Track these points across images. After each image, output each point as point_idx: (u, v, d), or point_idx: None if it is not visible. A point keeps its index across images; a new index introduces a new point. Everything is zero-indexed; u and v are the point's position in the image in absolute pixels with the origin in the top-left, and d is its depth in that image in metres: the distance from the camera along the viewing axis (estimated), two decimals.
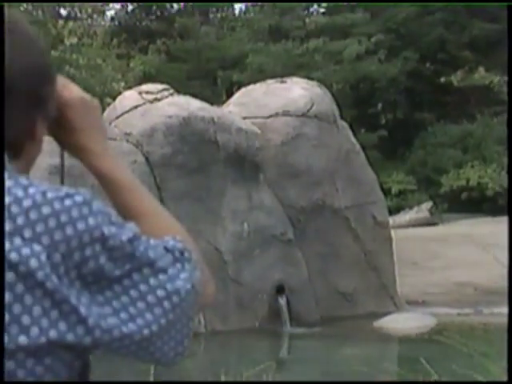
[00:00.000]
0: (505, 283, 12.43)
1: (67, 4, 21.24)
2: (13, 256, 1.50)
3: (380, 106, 23.57)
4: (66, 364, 1.56)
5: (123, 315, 1.54)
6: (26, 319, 1.52)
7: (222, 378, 5.79)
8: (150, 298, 1.55)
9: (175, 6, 28.71)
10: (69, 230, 1.55)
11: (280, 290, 11.99)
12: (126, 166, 1.77)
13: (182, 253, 1.63)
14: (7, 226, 1.56)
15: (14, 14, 1.72)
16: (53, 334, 1.50)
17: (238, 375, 5.75)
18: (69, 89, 1.75)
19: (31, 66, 1.68)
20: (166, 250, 1.61)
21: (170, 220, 1.83)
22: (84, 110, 1.78)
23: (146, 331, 1.55)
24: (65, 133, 1.80)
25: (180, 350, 1.62)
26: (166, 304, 1.55)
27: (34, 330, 1.53)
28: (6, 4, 1.70)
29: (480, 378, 3.33)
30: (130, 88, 13.76)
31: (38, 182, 1.70)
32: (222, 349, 10.69)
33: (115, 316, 1.54)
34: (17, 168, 1.79)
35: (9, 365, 1.57)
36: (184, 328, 1.63)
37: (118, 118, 12.15)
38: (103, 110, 13.51)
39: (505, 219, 17.70)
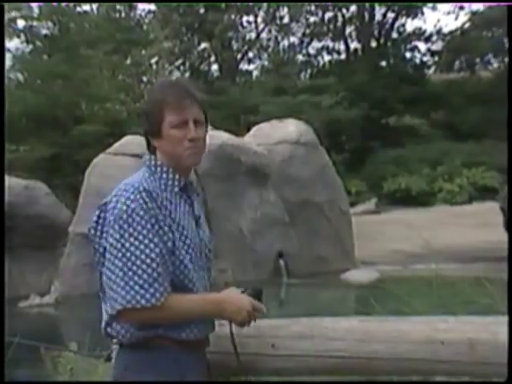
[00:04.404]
0: (422, 250, 12.25)
1: (148, 72, 21.11)
2: None
3: (344, 137, 23.56)
4: None
5: None
6: None
7: None
8: None
9: (215, 73, 28.74)
10: None
11: (280, 254, 11.95)
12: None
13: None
14: None
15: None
16: None
17: None
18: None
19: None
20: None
21: None
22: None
23: None
24: None
25: None
26: None
27: None
28: None
29: (408, 312, 3.24)
30: None
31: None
32: None
33: None
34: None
35: None
36: None
37: None
38: None
39: (424, 209, 17.73)
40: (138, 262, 1.69)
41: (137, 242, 1.70)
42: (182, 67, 28.69)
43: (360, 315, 2.09)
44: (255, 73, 29.83)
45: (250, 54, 29.86)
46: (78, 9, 19.68)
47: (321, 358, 1.94)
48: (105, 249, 1.75)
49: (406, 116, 23.00)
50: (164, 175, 1.85)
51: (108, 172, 10.85)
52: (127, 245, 1.70)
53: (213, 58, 29.04)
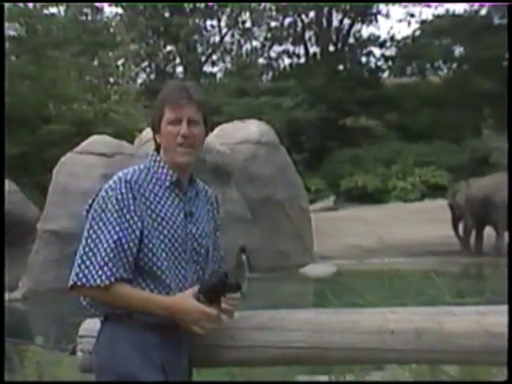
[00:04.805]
0: (377, 245, 12.31)
1: (114, 73, 20.77)
2: None
3: (304, 137, 23.66)
4: None
5: None
6: None
7: None
8: None
9: (180, 75, 28.56)
10: None
11: (243, 249, 11.91)
12: None
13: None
14: None
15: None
16: None
17: None
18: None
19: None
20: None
21: None
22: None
23: None
24: None
25: None
26: None
27: None
28: None
29: (362, 304, 3.27)
30: None
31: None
32: None
33: None
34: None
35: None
36: None
37: (143, 144, 11.99)
38: (133, 139, 13.32)
39: (379, 206, 17.92)
40: (98, 244, 1.78)
41: (103, 227, 1.79)
42: (148, 69, 28.47)
43: (317, 307, 2.11)
44: (219, 75, 29.84)
45: (214, 57, 29.81)
46: (45, 11, 19.29)
47: (279, 349, 1.95)
48: None
49: (361, 117, 23.27)
50: (159, 170, 1.93)
51: (75, 170, 10.70)
52: (95, 227, 1.80)
53: (178, 61, 28.89)
